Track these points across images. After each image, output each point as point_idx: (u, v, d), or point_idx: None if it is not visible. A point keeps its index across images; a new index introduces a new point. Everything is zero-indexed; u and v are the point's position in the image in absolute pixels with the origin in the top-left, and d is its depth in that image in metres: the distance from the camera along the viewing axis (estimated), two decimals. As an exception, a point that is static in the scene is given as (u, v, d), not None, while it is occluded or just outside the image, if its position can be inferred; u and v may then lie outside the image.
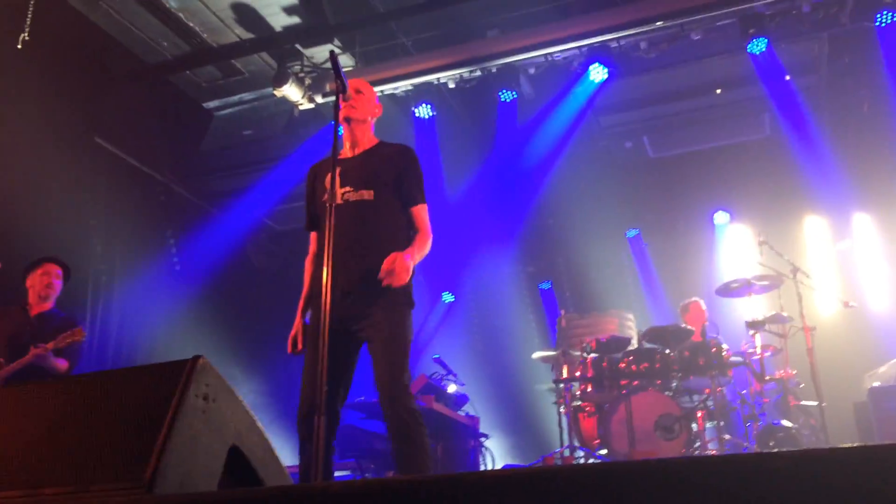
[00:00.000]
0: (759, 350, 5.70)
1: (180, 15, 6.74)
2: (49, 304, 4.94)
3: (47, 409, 2.05)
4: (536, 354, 6.46)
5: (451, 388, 6.02)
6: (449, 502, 1.44)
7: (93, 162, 7.16)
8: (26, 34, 6.22)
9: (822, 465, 1.28)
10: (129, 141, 7.52)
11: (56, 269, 4.95)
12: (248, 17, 6.80)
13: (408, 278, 3.20)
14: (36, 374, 4.49)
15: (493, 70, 6.91)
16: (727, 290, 6.16)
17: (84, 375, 2.28)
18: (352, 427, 5.32)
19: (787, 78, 6.83)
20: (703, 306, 6.61)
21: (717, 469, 1.34)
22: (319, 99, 7.18)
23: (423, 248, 3.38)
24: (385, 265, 3.14)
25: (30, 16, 6.22)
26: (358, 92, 3.56)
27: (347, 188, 3.36)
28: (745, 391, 5.75)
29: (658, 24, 6.04)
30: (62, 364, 4.62)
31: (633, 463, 1.45)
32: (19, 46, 6.20)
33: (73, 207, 6.71)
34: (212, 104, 8.03)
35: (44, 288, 4.88)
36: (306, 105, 7.22)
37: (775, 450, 5.24)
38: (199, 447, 1.92)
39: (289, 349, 3.41)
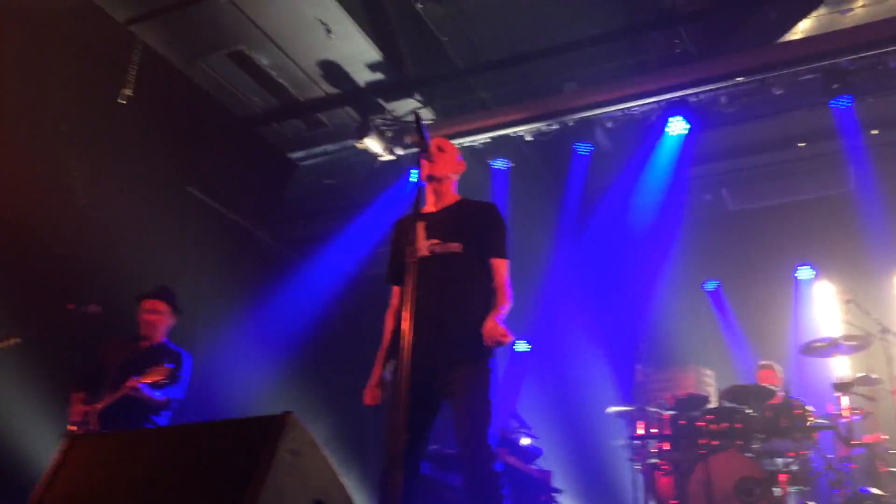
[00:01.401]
0: (845, 413, 5.49)
1: (271, 72, 7.06)
2: (159, 337, 5.13)
3: (145, 457, 2.16)
4: (611, 409, 6.37)
5: (524, 441, 5.99)
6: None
7: (184, 209, 7.50)
8: (129, 90, 6.64)
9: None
10: (218, 190, 7.86)
11: (156, 305, 5.13)
12: (333, 72, 7.08)
13: (499, 334, 3.20)
14: (137, 406, 4.66)
15: (570, 124, 6.98)
16: (812, 350, 5.98)
17: (178, 426, 2.41)
18: (425, 476, 5.33)
19: (875, 132, 6.67)
20: (778, 372, 6.43)
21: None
22: (400, 151, 7.37)
23: (506, 306, 3.39)
24: (486, 335, 3.18)
25: (132, 72, 6.65)
26: (440, 150, 3.65)
27: (435, 241, 3.43)
28: (830, 456, 5.53)
29: (738, 79, 6.00)
30: (160, 398, 4.75)
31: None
32: (123, 102, 6.62)
33: (165, 252, 7.02)
34: (296, 155, 8.34)
35: (144, 324, 5.09)
36: (387, 157, 7.42)
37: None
38: (286, 501, 2.00)
39: (365, 400, 3.46)
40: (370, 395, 3.45)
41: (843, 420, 5.50)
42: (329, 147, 8.09)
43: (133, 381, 4.58)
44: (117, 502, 2.08)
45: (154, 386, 4.68)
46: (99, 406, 4.70)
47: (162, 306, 5.13)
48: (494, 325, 3.19)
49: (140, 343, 5.08)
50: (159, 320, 5.11)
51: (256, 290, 8.45)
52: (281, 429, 2.04)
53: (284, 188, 8.63)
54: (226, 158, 7.91)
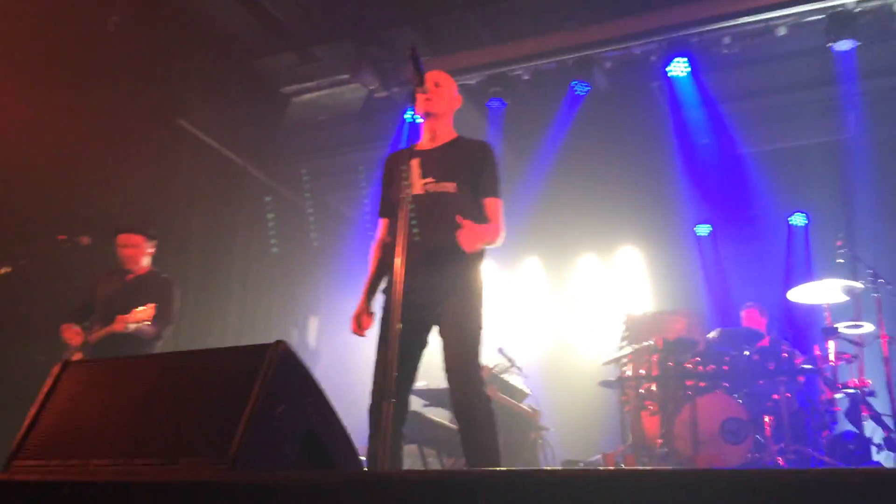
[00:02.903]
0: (832, 357, 5.55)
1: (265, 2, 6.90)
2: (143, 268, 5.17)
3: (139, 383, 2.17)
4: (604, 361, 6.44)
5: (515, 380, 6.05)
6: (518, 497, 1.48)
7: (175, 143, 7.41)
8: (116, 18, 6.48)
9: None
10: (210, 124, 7.75)
11: (129, 239, 5.13)
12: (328, 4, 6.91)
13: (476, 244, 3.24)
14: (127, 340, 4.70)
15: (569, 63, 6.87)
16: (801, 294, 6.01)
17: (173, 354, 2.41)
18: (414, 413, 5.37)
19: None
20: (763, 314, 6.50)
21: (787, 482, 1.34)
22: (395, 87, 7.26)
23: (493, 235, 3.41)
24: (461, 235, 3.19)
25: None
26: (436, 85, 3.60)
27: (429, 179, 3.42)
28: (815, 398, 5.62)
29: (744, 19, 5.90)
30: (148, 331, 4.79)
31: (700, 471, 1.46)
32: (110, 29, 6.46)
33: (156, 185, 6.96)
34: (289, 89, 8.20)
35: (123, 258, 5.12)
36: (382, 93, 7.31)
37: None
38: (279, 430, 2.01)
39: (352, 328, 3.49)
40: (356, 324, 3.47)
41: (829, 364, 5.56)
42: (322, 82, 7.95)
43: (120, 322, 4.61)
44: (111, 425, 2.09)
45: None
46: (90, 338, 4.77)
47: (136, 239, 5.15)
48: (470, 229, 3.21)
49: (127, 275, 5.10)
50: (137, 253, 5.14)
51: (250, 228, 8.43)
52: (273, 357, 2.04)
53: (277, 124, 8.53)
54: (218, 92, 7.78)
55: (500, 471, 1.61)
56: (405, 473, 1.64)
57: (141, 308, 4.63)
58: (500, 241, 3.45)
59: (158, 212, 6.81)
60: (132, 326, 4.63)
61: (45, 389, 2.25)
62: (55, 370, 2.29)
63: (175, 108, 7.40)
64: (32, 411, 2.21)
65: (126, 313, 4.64)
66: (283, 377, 2.04)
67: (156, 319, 4.75)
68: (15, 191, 5.70)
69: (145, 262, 5.19)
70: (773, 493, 1.33)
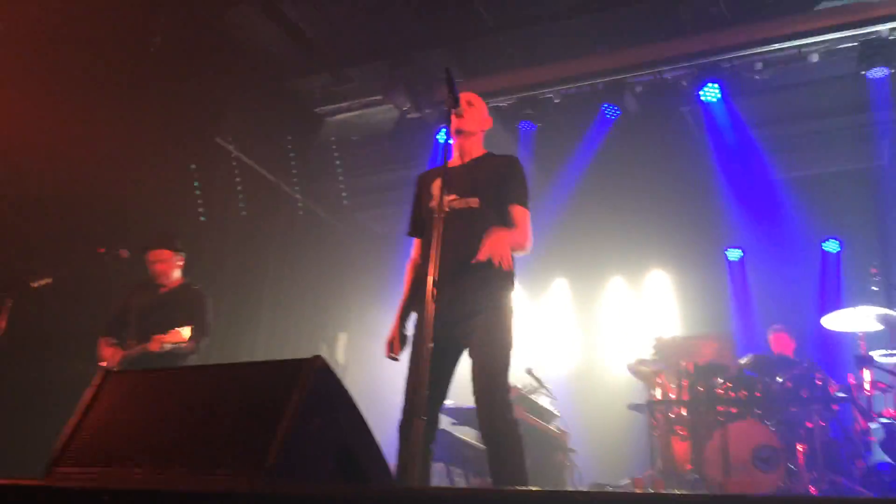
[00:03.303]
0: (866, 385, 5.47)
1: (301, 24, 7.02)
2: (174, 281, 5.24)
3: (178, 394, 2.21)
4: (631, 363, 6.38)
5: (543, 402, 6.04)
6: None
7: (212, 160, 7.55)
8: (158, 40, 6.65)
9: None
10: (246, 142, 7.89)
11: (159, 255, 5.20)
12: (363, 26, 7.02)
13: (502, 249, 3.23)
14: (163, 355, 4.74)
15: (600, 86, 6.90)
16: (835, 321, 5.94)
17: (211, 366, 2.46)
18: (443, 431, 5.39)
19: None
20: (791, 337, 6.43)
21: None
22: (427, 109, 7.33)
23: (519, 239, 3.42)
24: (485, 243, 3.20)
25: (161, 20, 6.65)
26: (469, 105, 3.65)
27: (454, 196, 3.44)
28: (849, 428, 5.53)
29: (774, 46, 5.89)
30: (185, 345, 4.81)
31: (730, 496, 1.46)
32: (152, 50, 6.63)
33: (193, 202, 7.09)
34: (323, 109, 8.31)
35: (154, 273, 5.20)
36: (414, 114, 7.39)
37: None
38: (315, 443, 2.04)
39: (385, 353, 3.51)
40: (389, 348, 3.50)
41: (864, 393, 5.48)
42: (355, 102, 8.05)
43: (156, 342, 4.66)
44: (150, 434, 2.13)
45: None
46: (126, 353, 4.83)
47: (165, 254, 5.22)
48: (498, 237, 3.22)
49: (160, 288, 5.19)
50: (168, 267, 5.21)
51: (282, 244, 8.53)
52: (311, 371, 2.07)
53: (311, 143, 8.65)
54: (254, 111, 7.91)
55: (534, 491, 1.62)
56: (439, 490, 1.66)
57: (178, 329, 4.69)
58: (527, 248, 3.44)
59: (194, 225, 6.93)
60: (168, 346, 4.68)
61: (86, 398, 2.30)
62: (97, 380, 2.34)
63: (211, 125, 7.55)
64: (74, 419, 2.26)
65: (160, 328, 4.69)
66: (320, 391, 2.08)
67: (192, 335, 4.81)
68: (56, 203, 5.84)
69: (176, 274, 5.26)
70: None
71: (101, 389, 2.30)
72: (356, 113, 8.23)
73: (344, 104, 8.15)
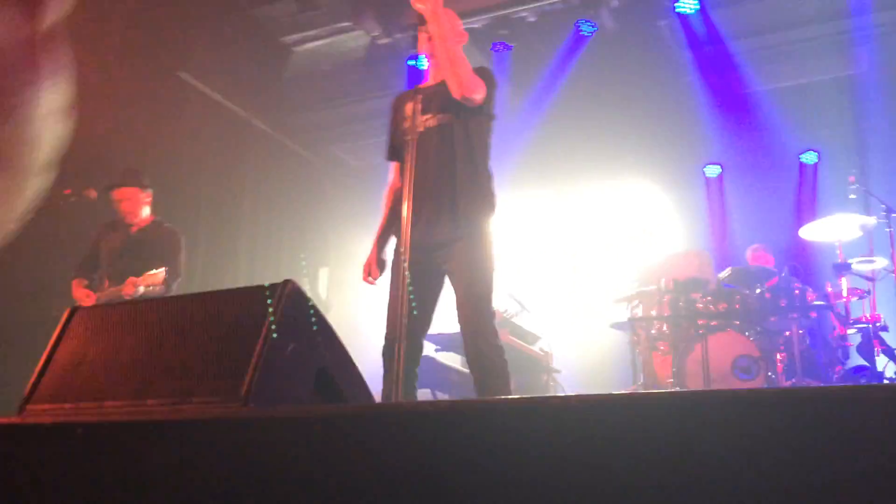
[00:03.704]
0: (844, 293, 5.53)
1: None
2: (145, 219, 5.11)
3: (148, 325, 2.16)
4: (614, 298, 6.42)
5: (526, 323, 6.06)
6: (530, 424, 1.47)
7: (178, 95, 7.33)
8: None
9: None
10: (213, 76, 7.66)
11: (123, 193, 5.07)
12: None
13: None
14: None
15: (575, 2, 6.73)
16: (813, 231, 5.97)
17: (182, 296, 2.41)
18: (427, 358, 5.41)
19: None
20: (769, 254, 6.48)
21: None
22: (398, 34, 7.13)
23: (464, 60, 3.34)
24: None
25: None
26: (441, 20, 3.52)
27: (428, 115, 3.37)
28: (827, 334, 5.61)
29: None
30: (159, 290, 4.75)
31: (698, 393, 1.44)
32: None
33: (160, 139, 6.91)
34: (290, 38, 8.06)
35: (122, 213, 5.07)
36: (384, 39, 7.18)
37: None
38: (291, 368, 2.01)
39: (363, 277, 3.49)
40: (366, 272, 3.47)
41: (842, 300, 5.54)
42: (323, 30, 7.80)
43: (130, 285, 4.58)
44: (122, 367, 2.09)
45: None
46: (100, 295, 4.76)
47: (130, 192, 5.07)
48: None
49: (130, 228, 5.08)
50: (135, 205, 5.07)
51: (256, 180, 8.39)
52: (282, 296, 2.02)
53: (280, 75, 8.42)
54: (218, 44, 7.65)
55: (516, 399, 1.60)
56: (418, 404, 1.64)
57: (152, 272, 4.60)
58: (463, 68, 3.32)
59: (164, 164, 6.78)
60: (142, 289, 4.61)
61: (55, 335, 2.25)
62: (64, 316, 2.29)
63: (176, 60, 7.31)
64: (43, 357, 2.22)
65: (133, 269, 4.63)
66: (293, 316, 2.03)
67: (165, 276, 4.74)
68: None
69: (145, 212, 5.13)
70: (785, 408, 1.31)
71: (68, 325, 2.25)
72: (325, 41, 7.99)
73: (312, 32, 7.89)
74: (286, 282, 2.07)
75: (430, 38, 3.45)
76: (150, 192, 5.17)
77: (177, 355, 2.05)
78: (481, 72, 3.45)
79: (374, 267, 3.47)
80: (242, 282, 7.71)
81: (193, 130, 7.51)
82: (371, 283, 3.48)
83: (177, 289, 5.00)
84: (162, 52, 7.03)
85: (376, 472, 1.54)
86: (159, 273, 4.59)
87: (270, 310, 1.98)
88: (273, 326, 1.94)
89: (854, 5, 6.63)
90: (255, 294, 2.10)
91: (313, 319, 2.10)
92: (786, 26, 7.31)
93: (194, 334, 2.10)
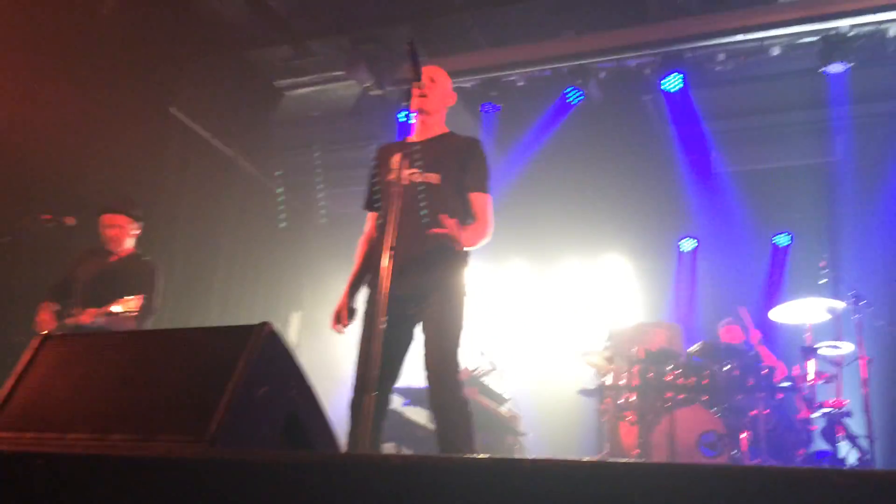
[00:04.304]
0: (811, 376, 5.58)
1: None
2: (126, 250, 5.04)
3: (119, 358, 2.14)
4: (584, 354, 6.42)
5: (495, 384, 6.05)
6: (492, 484, 1.46)
7: (165, 131, 7.36)
8: (112, 1, 6.45)
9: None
10: (202, 114, 7.71)
11: (115, 220, 5.01)
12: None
13: (456, 237, 3.21)
14: (108, 326, 4.59)
15: (564, 71, 6.90)
16: (783, 313, 6.05)
17: (157, 331, 2.39)
18: (393, 411, 5.38)
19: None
20: (741, 329, 6.56)
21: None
22: (390, 86, 7.25)
23: (479, 234, 3.40)
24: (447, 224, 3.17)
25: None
26: (432, 80, 3.59)
27: (414, 170, 3.40)
28: (793, 416, 5.64)
29: (738, 37, 5.95)
30: (131, 322, 4.67)
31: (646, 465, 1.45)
32: (105, 12, 6.42)
33: (144, 171, 6.91)
34: (283, 83, 8.16)
35: (107, 239, 4.99)
36: (376, 91, 7.30)
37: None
38: (261, 411, 1.99)
39: (332, 325, 3.47)
40: (336, 319, 3.45)
41: (808, 383, 5.59)
42: (316, 77, 7.92)
43: (104, 310, 4.50)
44: (89, 400, 2.06)
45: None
46: (68, 321, 4.67)
47: (121, 220, 5.01)
48: (454, 224, 3.18)
49: (110, 257, 5.01)
50: (121, 234, 5.00)
51: (237, 221, 8.38)
52: (258, 338, 2.02)
53: (269, 117, 8.50)
54: (210, 82, 7.74)
55: (484, 458, 1.60)
56: (387, 457, 1.63)
57: (130, 298, 4.52)
58: (488, 237, 3.44)
59: (145, 198, 6.75)
60: (116, 309, 4.51)
61: (22, 362, 2.22)
62: (34, 343, 2.25)
63: (167, 95, 7.36)
64: (9, 383, 2.17)
65: (105, 299, 4.52)
66: (267, 358, 2.02)
67: (138, 309, 4.67)
68: (6, 170, 5.64)
69: (129, 243, 5.06)
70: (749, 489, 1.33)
71: (38, 353, 2.21)
72: (317, 88, 8.11)
73: (305, 78, 8.01)
74: (264, 324, 2.06)
75: (421, 94, 3.51)
76: (139, 225, 5.11)
77: (146, 391, 2.02)
78: (475, 150, 3.54)
79: (343, 314, 3.46)
80: (214, 321, 7.65)
81: (178, 166, 7.52)
82: (340, 331, 3.46)
83: (150, 325, 4.92)
84: (154, 86, 7.07)
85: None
86: (136, 299, 4.51)
87: (246, 350, 1.97)
88: (247, 368, 1.93)
89: (833, 96, 6.86)
90: (230, 333, 2.09)
91: (287, 364, 2.09)
92: (766, 111, 7.54)
93: (166, 370, 2.08)
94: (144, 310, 4.67)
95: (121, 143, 6.55)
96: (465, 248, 3.33)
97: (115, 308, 4.47)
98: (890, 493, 1.25)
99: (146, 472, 1.70)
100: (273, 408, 2.03)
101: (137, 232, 5.12)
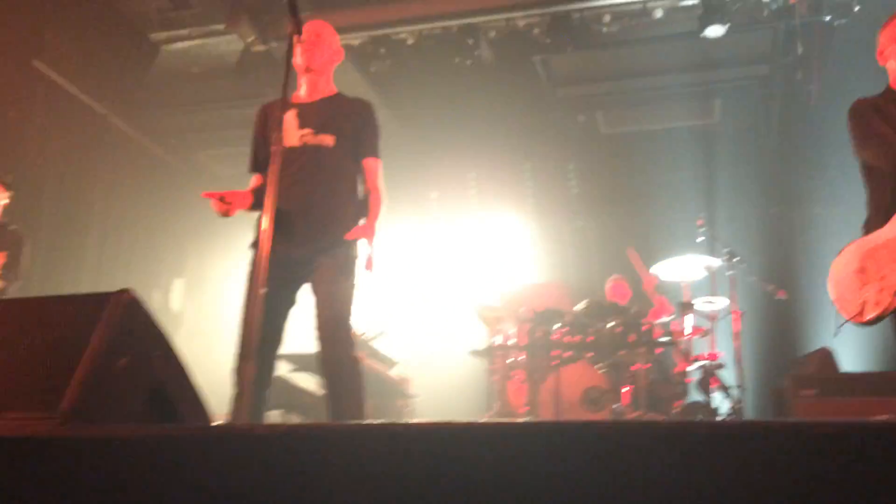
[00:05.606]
0: (688, 331, 5.82)
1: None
2: None
3: (-38, 331, 1.95)
4: (477, 307, 6.45)
5: (384, 348, 6.01)
6: (378, 449, 1.42)
7: (29, 85, 6.84)
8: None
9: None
10: (70, 68, 7.19)
11: None
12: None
13: (369, 241, 3.26)
14: None
15: (454, 30, 6.81)
16: (664, 270, 6.26)
17: (8, 301, 2.19)
18: (280, 378, 5.25)
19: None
20: (628, 285, 6.77)
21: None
22: (274, 42, 6.96)
23: (378, 209, 3.37)
24: (356, 232, 3.25)
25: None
26: (318, 36, 3.46)
27: (307, 130, 3.29)
28: (670, 370, 5.88)
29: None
30: None
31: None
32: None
33: (6, 129, 6.42)
34: (159, 36, 7.70)
35: None
36: (259, 46, 7.00)
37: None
38: (121, 383, 1.86)
39: (216, 207, 3.26)
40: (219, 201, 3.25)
41: (685, 337, 5.83)
42: (195, 30, 7.51)
43: None
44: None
45: None
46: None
47: None
48: (368, 229, 3.24)
49: None
50: None
51: (111, 184, 7.94)
52: (116, 306, 1.88)
53: (145, 73, 8.02)
54: (79, 34, 7.21)
55: (364, 424, 1.55)
56: (253, 427, 1.54)
57: None
58: (384, 208, 3.41)
59: (8, 158, 6.28)
60: None
61: None
62: None
63: (30, 47, 6.82)
64: None
65: None
66: (128, 328, 1.89)
67: (3, 273, 4.39)
68: None
69: None
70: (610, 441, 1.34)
71: None
72: (197, 42, 7.69)
73: (183, 31, 7.57)
74: (123, 291, 1.92)
75: (307, 51, 3.38)
76: (9, 193, 4.85)
77: (-6, 365, 1.85)
78: (368, 114, 3.46)
79: (237, 198, 3.25)
80: (85, 289, 7.23)
81: (43, 123, 7.01)
82: (220, 209, 3.25)
83: (14, 293, 4.63)
84: (15, 38, 6.53)
85: (207, 496, 1.45)
86: None
87: (102, 320, 1.83)
88: (104, 338, 1.79)
89: (712, 59, 7.07)
90: (87, 301, 1.94)
91: (151, 333, 1.96)
92: (649, 73, 7.72)
93: (16, 342, 1.92)
94: (9, 273, 4.44)
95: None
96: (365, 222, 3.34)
97: None
98: (751, 441, 1.28)
99: (-8, 453, 1.56)
100: (135, 380, 1.90)
101: (7, 201, 4.88)
